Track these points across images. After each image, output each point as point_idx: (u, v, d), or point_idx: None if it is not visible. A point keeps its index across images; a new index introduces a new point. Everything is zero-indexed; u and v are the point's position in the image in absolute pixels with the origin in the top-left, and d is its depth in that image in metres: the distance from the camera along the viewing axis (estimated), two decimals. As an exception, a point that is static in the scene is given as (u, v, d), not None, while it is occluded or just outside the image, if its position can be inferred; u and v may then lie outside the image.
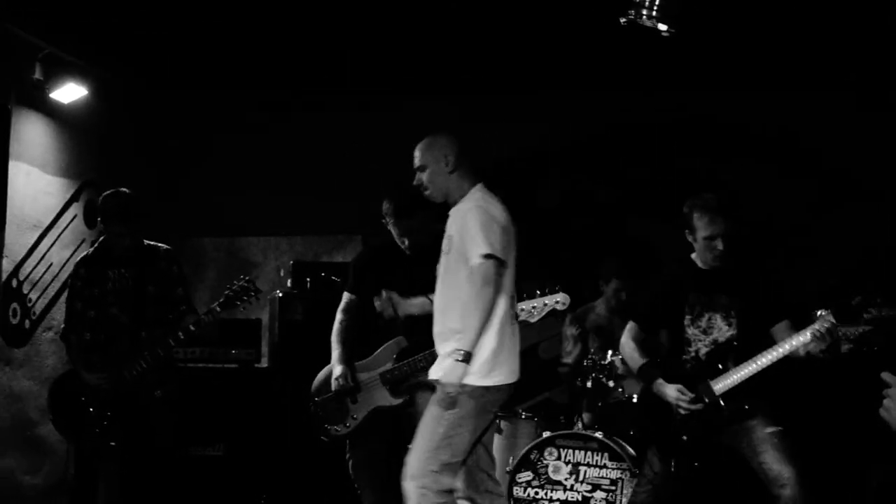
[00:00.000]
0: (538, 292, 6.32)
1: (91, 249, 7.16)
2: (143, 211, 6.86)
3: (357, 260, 7.26)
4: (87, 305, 6.94)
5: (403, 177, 6.35)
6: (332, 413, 6.86)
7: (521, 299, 6.28)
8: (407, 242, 6.75)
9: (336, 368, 6.84)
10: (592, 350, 8.23)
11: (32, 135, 8.54)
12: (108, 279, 6.93)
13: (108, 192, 6.92)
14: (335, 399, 6.82)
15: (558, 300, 6.30)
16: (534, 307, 6.31)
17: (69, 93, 8.59)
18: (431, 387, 6.35)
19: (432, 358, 6.24)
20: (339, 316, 7.02)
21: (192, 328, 6.80)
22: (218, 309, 6.89)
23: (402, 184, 6.46)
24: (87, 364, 6.88)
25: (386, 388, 6.73)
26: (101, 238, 7.08)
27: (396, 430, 6.71)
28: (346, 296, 7.06)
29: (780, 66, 8.86)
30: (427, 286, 6.45)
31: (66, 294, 7.28)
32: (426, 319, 6.42)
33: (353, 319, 6.96)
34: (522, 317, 6.30)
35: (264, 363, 8.95)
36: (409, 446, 6.18)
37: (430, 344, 6.25)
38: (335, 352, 6.92)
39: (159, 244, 7.04)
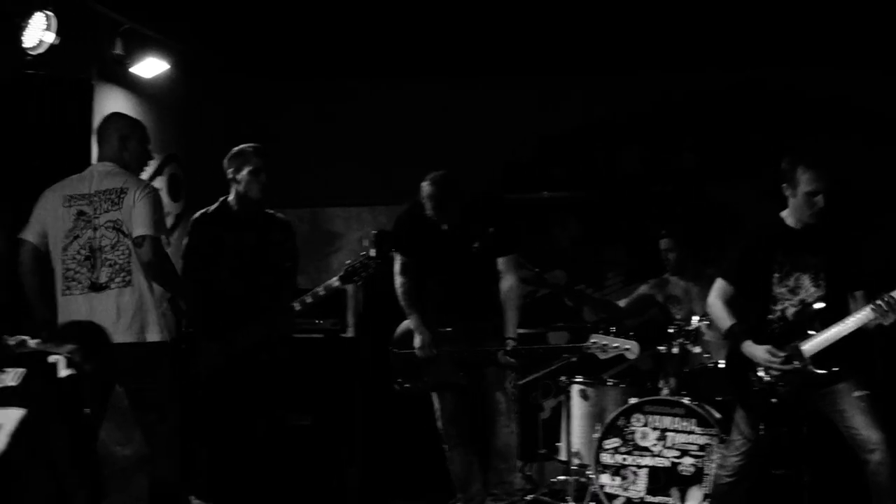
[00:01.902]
0: (613, 332, 6.62)
1: (211, 208, 7.17)
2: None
3: (396, 223, 7.48)
4: (202, 265, 6.97)
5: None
6: (408, 369, 7.10)
7: (595, 331, 6.53)
8: (445, 227, 7.00)
9: (419, 336, 6.99)
10: (678, 316, 8.16)
11: (115, 109, 8.55)
12: (224, 241, 6.95)
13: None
14: (413, 358, 7.01)
15: (628, 347, 6.72)
16: (605, 345, 6.75)
17: (150, 67, 8.63)
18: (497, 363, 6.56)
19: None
20: (398, 279, 7.22)
21: (309, 300, 6.86)
22: (337, 282, 6.93)
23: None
24: (200, 328, 6.93)
25: (456, 366, 6.94)
26: (222, 199, 7.10)
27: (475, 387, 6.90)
28: (398, 257, 7.26)
29: (859, 41, 8.75)
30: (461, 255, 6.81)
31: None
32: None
33: (413, 279, 7.19)
34: (592, 349, 6.80)
35: (350, 332, 8.96)
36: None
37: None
38: (412, 317, 7.11)
39: (278, 213, 7.14)
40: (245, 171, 6.96)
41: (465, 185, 7.02)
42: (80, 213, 6.13)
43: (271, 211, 7.12)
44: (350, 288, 8.89)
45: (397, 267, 7.26)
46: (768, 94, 9.51)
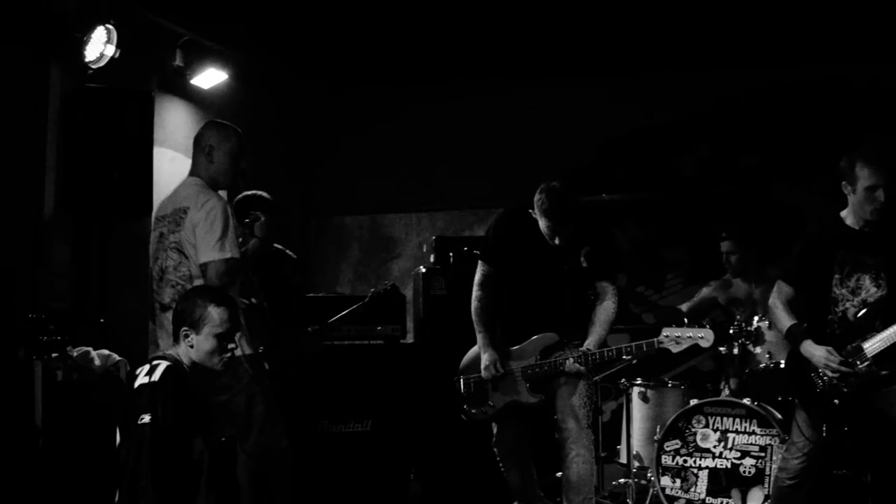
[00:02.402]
0: (685, 322, 6.40)
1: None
2: (278, 214, 6.94)
3: (495, 228, 6.97)
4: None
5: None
6: (475, 395, 6.81)
7: (668, 324, 6.43)
8: (558, 242, 6.50)
9: (485, 355, 6.71)
10: (739, 317, 8.13)
11: (175, 120, 8.69)
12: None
13: (246, 193, 7.07)
14: (480, 383, 6.76)
15: (702, 336, 6.38)
16: (678, 336, 6.39)
17: (209, 78, 8.72)
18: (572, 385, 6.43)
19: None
20: (476, 292, 6.86)
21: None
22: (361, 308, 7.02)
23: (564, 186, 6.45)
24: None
25: (526, 384, 6.63)
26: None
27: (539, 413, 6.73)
28: (482, 267, 6.88)
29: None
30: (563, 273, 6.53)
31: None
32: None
33: (492, 295, 6.81)
34: (665, 344, 6.39)
35: (409, 338, 8.99)
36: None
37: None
38: (481, 335, 6.78)
39: (287, 250, 7.27)
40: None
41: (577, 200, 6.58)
42: (161, 236, 6.15)
43: (280, 247, 7.26)
44: (409, 294, 8.96)
45: (478, 277, 6.87)
46: (832, 90, 9.43)
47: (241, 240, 6.03)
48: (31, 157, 7.30)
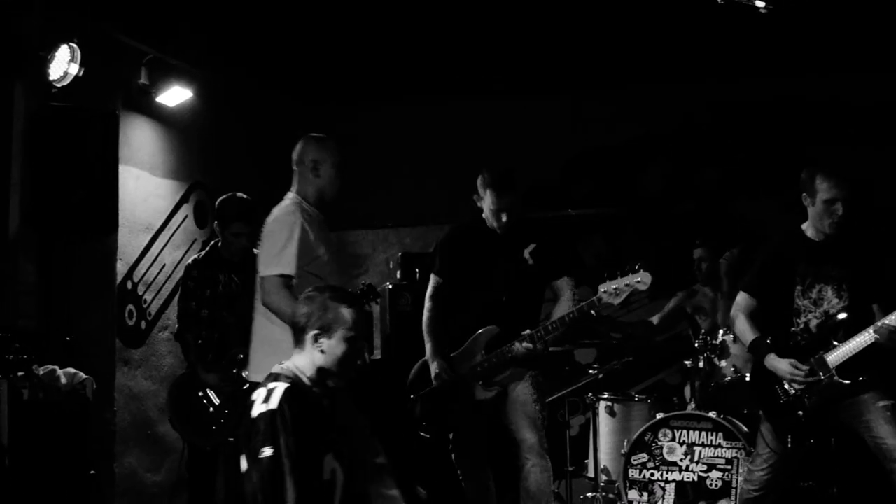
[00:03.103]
0: (619, 273, 6.23)
1: (202, 253, 7.37)
2: (257, 214, 6.96)
3: (443, 241, 7.05)
4: (200, 305, 7.12)
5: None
6: (432, 409, 6.82)
7: (601, 281, 6.23)
8: (505, 218, 6.59)
9: (433, 363, 6.72)
10: (703, 330, 8.18)
11: (140, 139, 8.67)
12: (219, 282, 7.13)
13: (225, 195, 7.13)
14: (434, 394, 6.76)
15: (639, 279, 6.20)
16: (616, 288, 6.23)
17: (175, 96, 8.67)
18: (522, 375, 6.39)
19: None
20: (427, 304, 6.90)
21: None
22: None
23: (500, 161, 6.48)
24: (205, 364, 7.06)
25: (479, 382, 6.61)
26: (213, 242, 7.30)
27: (494, 415, 6.70)
28: (433, 279, 6.94)
29: (878, 47, 8.75)
30: (512, 273, 6.53)
31: (178, 295, 7.48)
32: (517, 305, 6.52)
33: (442, 306, 6.84)
34: (605, 299, 6.25)
35: (377, 355, 9.00)
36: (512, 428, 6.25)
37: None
38: (429, 344, 6.80)
39: None
40: (228, 231, 7.24)
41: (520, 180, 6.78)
42: None
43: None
44: (376, 310, 8.96)
45: (429, 290, 6.95)
46: (791, 106, 9.51)
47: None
48: (-5, 176, 7.27)
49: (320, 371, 4.64)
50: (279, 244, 5.88)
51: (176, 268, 8.77)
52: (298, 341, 4.70)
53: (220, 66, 9.12)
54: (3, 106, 7.32)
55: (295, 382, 4.56)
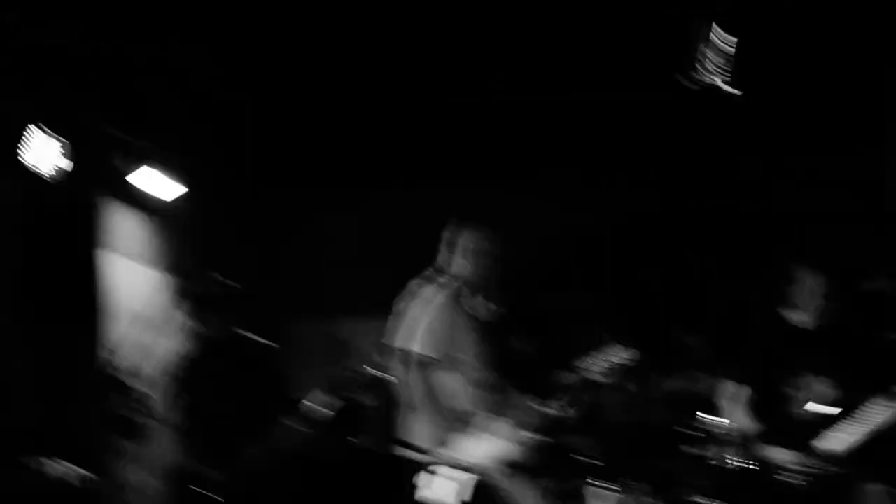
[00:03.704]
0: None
1: (191, 339, 7.33)
2: (240, 301, 6.98)
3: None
4: (190, 393, 7.09)
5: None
6: None
7: None
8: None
9: None
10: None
11: (126, 227, 8.68)
12: (208, 369, 7.08)
13: (206, 281, 7.12)
14: None
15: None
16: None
17: (161, 185, 8.74)
18: None
19: None
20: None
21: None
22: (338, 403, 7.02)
23: None
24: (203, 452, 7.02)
25: None
26: (203, 328, 7.25)
27: None
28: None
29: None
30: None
31: (167, 381, 7.44)
32: None
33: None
34: None
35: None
36: None
37: None
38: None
39: (260, 338, 7.29)
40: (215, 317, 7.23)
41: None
42: None
43: (249, 335, 7.29)
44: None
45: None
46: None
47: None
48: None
49: None
50: (423, 323, 6.08)
51: (163, 354, 8.72)
52: None
53: (204, 157, 9.17)
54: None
55: None
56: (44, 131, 7.20)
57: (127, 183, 8.52)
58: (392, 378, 6.29)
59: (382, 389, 8.72)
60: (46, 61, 7.25)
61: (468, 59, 8.37)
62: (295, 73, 8.40)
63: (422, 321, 6.04)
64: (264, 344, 7.28)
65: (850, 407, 6.05)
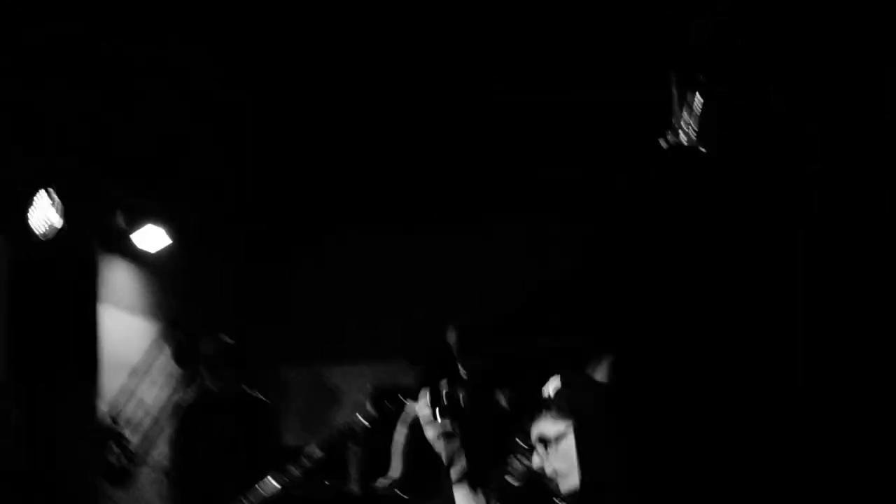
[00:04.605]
0: None
1: (190, 392, 7.45)
2: (242, 357, 7.13)
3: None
4: (188, 445, 7.21)
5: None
6: None
7: None
8: (467, 377, 6.82)
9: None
10: None
11: (119, 279, 8.84)
12: (208, 422, 7.20)
13: (209, 338, 7.24)
14: None
15: None
16: None
17: (151, 238, 8.89)
18: None
19: None
20: (399, 427, 7.14)
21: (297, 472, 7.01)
22: (319, 453, 7.09)
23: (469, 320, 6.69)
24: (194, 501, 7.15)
25: None
26: (200, 381, 7.37)
27: None
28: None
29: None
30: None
31: (164, 432, 7.56)
32: None
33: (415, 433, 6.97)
34: None
35: (355, 488, 9.07)
36: None
37: None
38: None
39: (259, 395, 7.33)
40: (217, 373, 7.27)
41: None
42: None
43: (248, 390, 7.35)
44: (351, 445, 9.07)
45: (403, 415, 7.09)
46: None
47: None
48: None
49: None
50: None
51: (157, 405, 8.89)
52: None
53: (195, 205, 9.31)
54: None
55: None
56: (48, 193, 7.38)
57: (123, 238, 8.69)
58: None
59: (373, 437, 8.94)
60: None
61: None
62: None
63: None
64: (258, 398, 7.35)
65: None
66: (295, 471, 6.88)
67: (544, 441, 4.31)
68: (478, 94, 8.31)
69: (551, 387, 5.92)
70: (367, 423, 7.85)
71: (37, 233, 7.44)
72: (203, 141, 8.52)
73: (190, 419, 7.38)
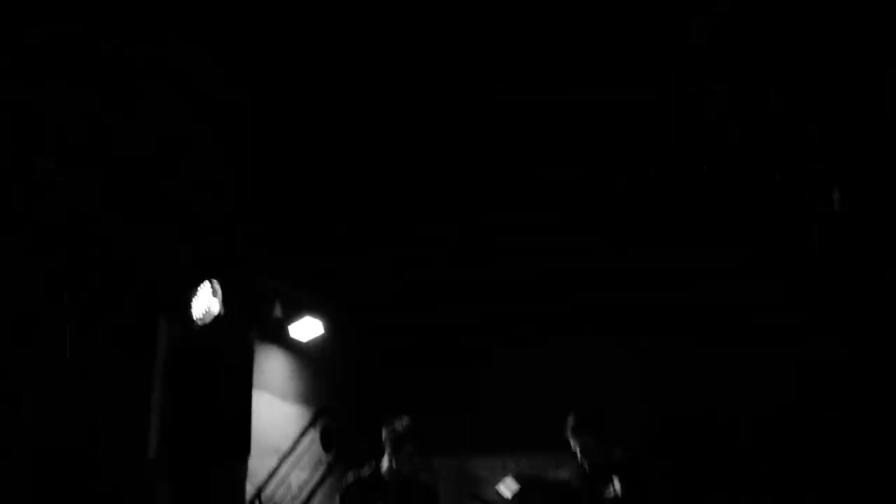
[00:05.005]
0: None
1: (363, 473, 7.60)
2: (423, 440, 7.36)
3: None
4: None
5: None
6: None
7: None
8: (580, 458, 7.06)
9: None
10: None
11: (273, 366, 9.20)
12: (371, 500, 7.37)
13: (394, 420, 7.42)
14: None
15: None
16: None
17: (306, 328, 9.26)
18: None
19: None
20: None
21: None
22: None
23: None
24: None
25: None
26: (375, 464, 7.52)
27: None
28: None
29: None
30: None
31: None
32: None
33: None
34: None
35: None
36: None
37: None
38: None
39: (429, 480, 7.49)
40: (402, 452, 7.39)
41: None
42: None
43: (423, 476, 7.48)
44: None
45: None
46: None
47: None
48: (138, 401, 7.74)
49: None
50: None
51: (302, 488, 9.16)
52: None
53: (348, 299, 9.64)
54: (148, 338, 7.86)
55: None
56: (210, 283, 7.73)
57: (279, 327, 9.04)
58: None
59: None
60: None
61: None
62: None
63: None
64: (429, 482, 7.38)
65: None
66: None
67: None
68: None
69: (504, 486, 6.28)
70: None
71: (197, 319, 7.73)
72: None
73: (356, 495, 7.51)
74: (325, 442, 9.66)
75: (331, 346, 9.59)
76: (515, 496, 7.19)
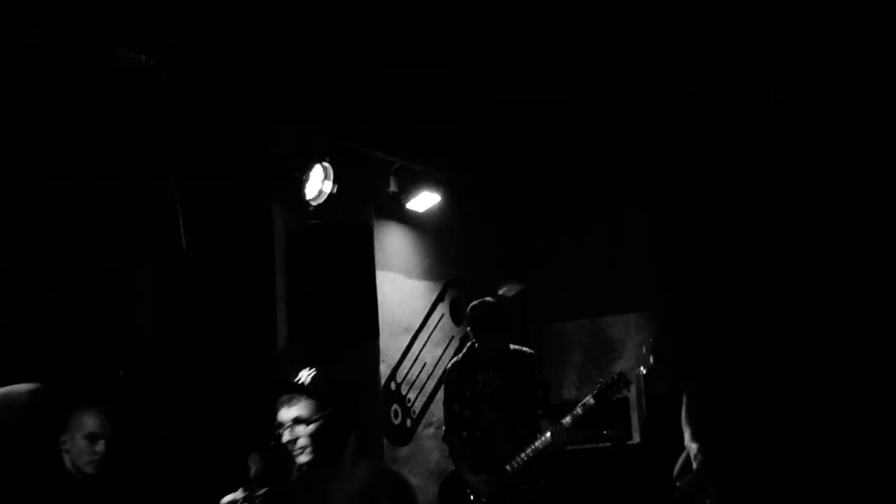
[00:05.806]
0: None
1: (460, 355, 7.52)
2: (507, 317, 7.19)
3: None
4: (462, 406, 7.32)
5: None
6: (695, 497, 6.97)
7: None
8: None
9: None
10: None
11: (394, 244, 9.04)
12: (478, 381, 7.28)
13: (476, 302, 7.30)
14: (696, 482, 6.98)
15: None
16: None
17: (423, 201, 9.05)
18: None
19: None
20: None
21: (568, 420, 7.05)
22: (591, 401, 7.09)
23: None
24: (470, 465, 7.24)
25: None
26: (469, 343, 7.43)
27: None
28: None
29: None
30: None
31: (441, 393, 7.68)
32: None
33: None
34: None
35: (636, 439, 9.05)
36: None
37: None
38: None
39: (524, 348, 7.35)
40: (480, 339, 7.29)
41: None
42: None
43: (516, 346, 7.37)
44: (632, 394, 9.04)
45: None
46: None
47: None
48: (263, 292, 7.68)
49: None
50: None
51: (437, 365, 9.06)
52: None
53: (464, 168, 9.39)
54: (264, 226, 7.77)
55: None
56: (321, 164, 7.55)
57: (395, 202, 8.84)
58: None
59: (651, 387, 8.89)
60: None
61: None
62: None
63: None
64: (523, 351, 7.36)
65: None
66: (567, 421, 6.99)
67: None
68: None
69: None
70: (644, 373, 7.88)
71: (311, 202, 7.58)
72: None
73: (455, 377, 7.46)
74: (455, 315, 9.53)
75: (452, 216, 9.37)
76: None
